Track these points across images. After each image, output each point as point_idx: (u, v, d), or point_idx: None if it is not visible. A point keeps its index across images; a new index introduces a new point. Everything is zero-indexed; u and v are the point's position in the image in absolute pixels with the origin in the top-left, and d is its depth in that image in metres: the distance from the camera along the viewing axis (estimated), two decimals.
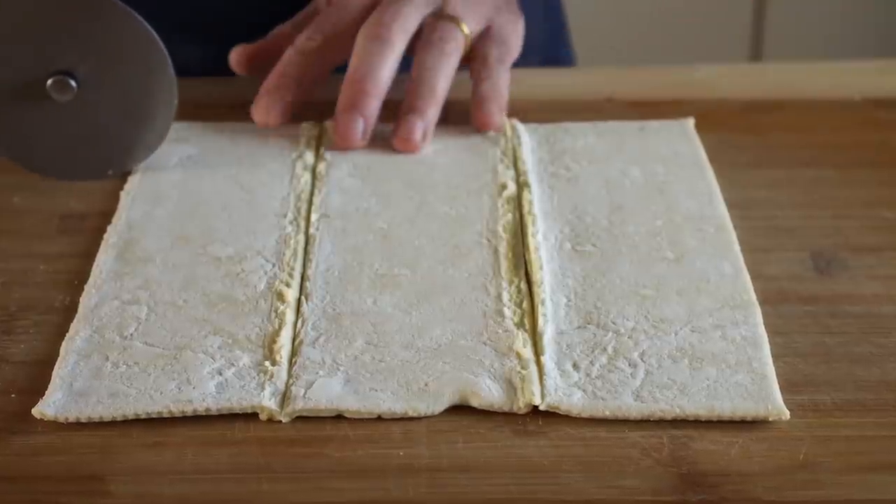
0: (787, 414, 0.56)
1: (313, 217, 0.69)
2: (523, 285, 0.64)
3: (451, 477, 0.53)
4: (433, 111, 0.75)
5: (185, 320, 0.61)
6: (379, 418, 0.56)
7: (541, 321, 0.61)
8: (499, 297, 0.63)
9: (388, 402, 0.56)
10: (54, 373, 0.58)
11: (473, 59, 0.79)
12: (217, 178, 0.73)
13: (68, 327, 0.61)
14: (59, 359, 0.59)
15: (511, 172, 0.73)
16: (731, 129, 0.79)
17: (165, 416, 0.56)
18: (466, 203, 0.70)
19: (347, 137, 0.75)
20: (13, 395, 0.58)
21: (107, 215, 0.70)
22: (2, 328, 0.62)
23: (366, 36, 0.75)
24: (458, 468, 0.54)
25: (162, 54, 0.70)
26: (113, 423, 0.56)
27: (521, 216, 0.69)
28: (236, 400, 0.56)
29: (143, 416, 0.56)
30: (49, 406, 0.56)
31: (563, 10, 1.06)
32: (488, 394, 0.57)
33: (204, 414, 0.56)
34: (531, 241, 0.66)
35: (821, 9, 1.84)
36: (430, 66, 0.76)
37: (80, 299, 0.63)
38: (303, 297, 0.63)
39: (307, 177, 0.73)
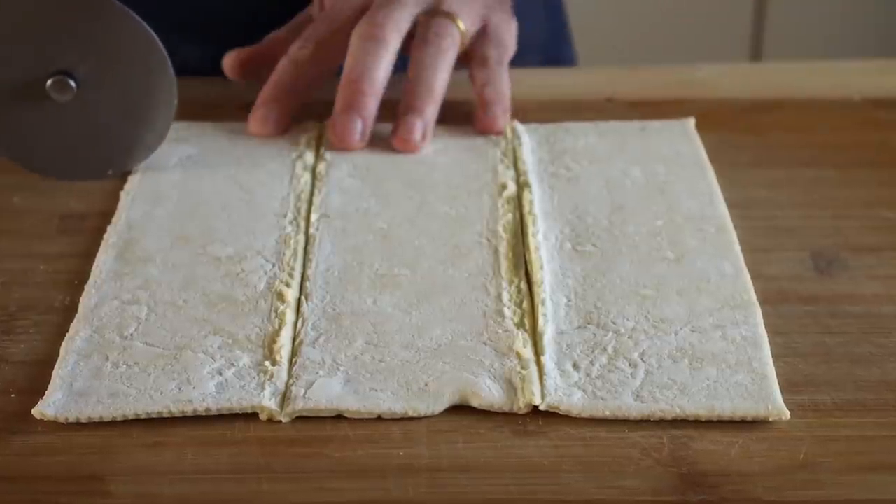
0: (787, 414, 0.56)
1: (313, 217, 0.69)
2: (523, 285, 0.64)
3: (451, 477, 0.53)
4: (432, 110, 0.75)
5: (185, 320, 0.61)
6: (379, 418, 0.56)
7: (541, 321, 0.61)
8: (499, 297, 0.63)
9: (388, 402, 0.56)
10: (54, 373, 0.58)
11: (471, 60, 0.79)
12: (217, 178, 0.73)
13: (68, 327, 0.61)
14: (59, 359, 0.59)
15: (511, 172, 0.73)
16: (732, 129, 0.79)
17: (165, 416, 0.56)
18: (466, 203, 0.70)
19: (346, 138, 0.75)
20: (13, 395, 0.58)
21: (107, 215, 0.70)
22: (2, 328, 0.62)
23: (360, 36, 0.75)
24: (458, 468, 0.53)
25: (161, 54, 0.70)
26: (113, 423, 0.56)
27: (522, 216, 0.69)
28: (236, 400, 0.56)
29: (143, 416, 0.56)
30: (49, 406, 0.56)
31: (564, 9, 1.06)
32: (488, 394, 0.57)
33: (204, 414, 0.56)
34: (531, 241, 0.66)
35: (821, 9, 1.84)
36: (428, 64, 0.76)
37: (80, 299, 0.63)
38: (303, 297, 0.63)
39: (307, 177, 0.73)
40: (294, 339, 0.60)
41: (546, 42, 1.03)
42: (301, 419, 0.56)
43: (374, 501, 0.52)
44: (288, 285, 0.63)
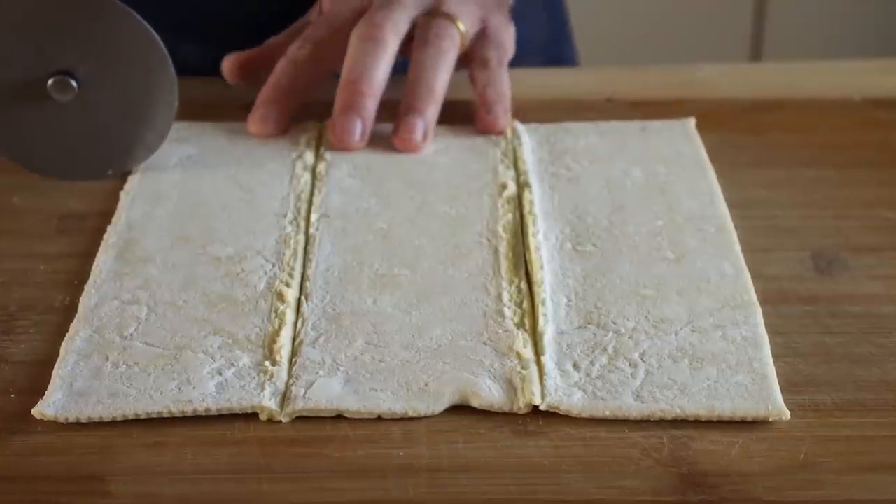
0: (787, 414, 0.56)
1: (313, 217, 0.69)
2: (523, 285, 0.64)
3: (451, 477, 0.53)
4: (433, 110, 0.75)
5: (185, 320, 0.61)
6: (379, 418, 0.56)
7: (541, 321, 0.61)
8: (499, 297, 0.63)
9: (388, 402, 0.56)
10: (54, 373, 0.58)
11: (471, 61, 0.79)
12: (217, 177, 0.73)
13: (68, 327, 0.61)
14: (59, 359, 0.59)
15: (511, 172, 0.73)
16: (732, 129, 0.79)
17: (165, 416, 0.56)
18: (467, 203, 0.70)
19: (345, 139, 0.75)
20: (13, 395, 0.58)
21: (107, 215, 0.70)
22: (2, 328, 0.62)
23: (358, 37, 0.75)
24: (458, 468, 0.53)
25: (162, 54, 0.70)
26: (113, 423, 0.56)
27: (522, 216, 0.69)
28: (236, 400, 0.56)
29: (143, 416, 0.56)
30: (49, 406, 0.56)
31: (565, 9, 1.07)
32: (488, 394, 0.57)
33: (204, 414, 0.56)
34: (532, 241, 0.66)
35: (821, 9, 1.84)
36: (428, 64, 0.76)
37: (80, 299, 0.63)
38: (303, 297, 0.63)
39: (307, 177, 0.73)
40: (294, 339, 0.60)
41: (547, 42, 1.03)
42: (301, 419, 0.56)
43: (374, 501, 0.52)
44: (288, 285, 0.63)
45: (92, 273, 0.65)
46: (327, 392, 0.57)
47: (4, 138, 0.72)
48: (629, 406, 0.56)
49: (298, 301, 0.63)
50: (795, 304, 0.63)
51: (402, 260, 0.65)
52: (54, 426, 0.56)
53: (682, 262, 0.65)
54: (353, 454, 0.54)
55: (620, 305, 0.62)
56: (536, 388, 0.57)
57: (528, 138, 0.76)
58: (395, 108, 0.76)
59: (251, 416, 0.56)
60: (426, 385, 0.57)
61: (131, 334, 0.60)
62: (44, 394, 0.57)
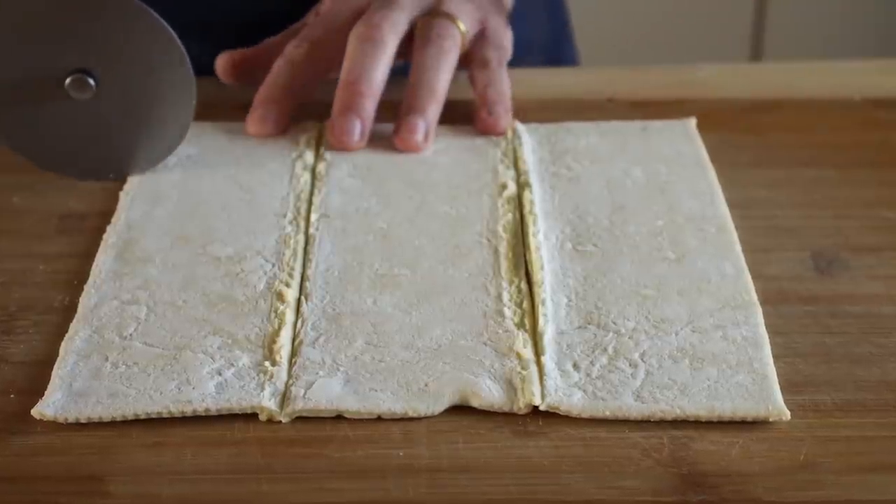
0: (787, 414, 0.56)
1: (313, 217, 0.69)
2: (523, 285, 0.63)
3: (451, 477, 0.53)
4: (434, 110, 0.75)
5: (184, 320, 0.61)
6: (379, 418, 0.56)
7: (541, 321, 0.61)
8: (499, 297, 0.63)
9: (388, 403, 0.56)
10: (54, 373, 0.58)
11: (471, 62, 0.79)
12: (217, 177, 0.73)
13: (68, 327, 0.61)
14: (59, 359, 0.59)
15: (511, 172, 0.73)
16: (732, 129, 0.79)
17: (165, 416, 0.56)
18: (467, 203, 0.70)
19: (344, 140, 0.75)
20: (13, 396, 0.58)
21: (106, 215, 0.70)
22: (1, 328, 0.62)
23: (357, 38, 0.75)
24: (458, 468, 0.53)
25: (181, 53, 0.70)
26: (112, 424, 0.56)
27: (522, 216, 0.69)
28: (236, 400, 0.56)
29: (143, 417, 0.56)
30: (48, 406, 0.56)
31: (565, 9, 1.07)
32: (488, 394, 0.57)
33: (204, 414, 0.56)
34: (532, 241, 0.66)
35: (821, 9, 1.84)
36: (430, 64, 0.76)
37: (80, 299, 0.63)
38: (303, 297, 0.63)
39: (307, 177, 0.73)
40: (294, 340, 0.60)
41: (547, 42, 1.03)
42: (301, 419, 0.56)
43: (374, 502, 0.52)
44: (288, 285, 0.63)
45: (91, 273, 0.65)
46: (327, 392, 0.57)
47: (20, 136, 0.72)
48: (629, 406, 0.56)
49: (298, 301, 0.63)
50: (795, 304, 0.63)
51: (402, 260, 0.65)
52: (54, 426, 0.56)
53: (682, 262, 0.65)
54: (353, 454, 0.54)
55: (621, 305, 0.62)
56: (536, 389, 0.57)
57: (529, 138, 0.76)
58: (396, 109, 0.76)
59: (251, 417, 0.56)
60: (426, 385, 0.57)
61: (131, 334, 0.60)
62: (43, 394, 0.57)
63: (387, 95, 0.75)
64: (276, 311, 0.62)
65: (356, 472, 0.53)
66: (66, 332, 0.61)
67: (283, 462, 0.54)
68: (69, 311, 0.63)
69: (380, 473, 0.53)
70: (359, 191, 0.71)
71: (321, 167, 0.74)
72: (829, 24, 1.84)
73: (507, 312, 0.62)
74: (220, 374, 0.58)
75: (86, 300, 0.63)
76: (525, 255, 0.66)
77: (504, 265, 0.65)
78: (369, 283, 0.64)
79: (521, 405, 0.56)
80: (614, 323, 0.61)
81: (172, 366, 0.58)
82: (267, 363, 0.58)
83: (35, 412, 0.56)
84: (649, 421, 0.56)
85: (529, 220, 0.68)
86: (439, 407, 0.56)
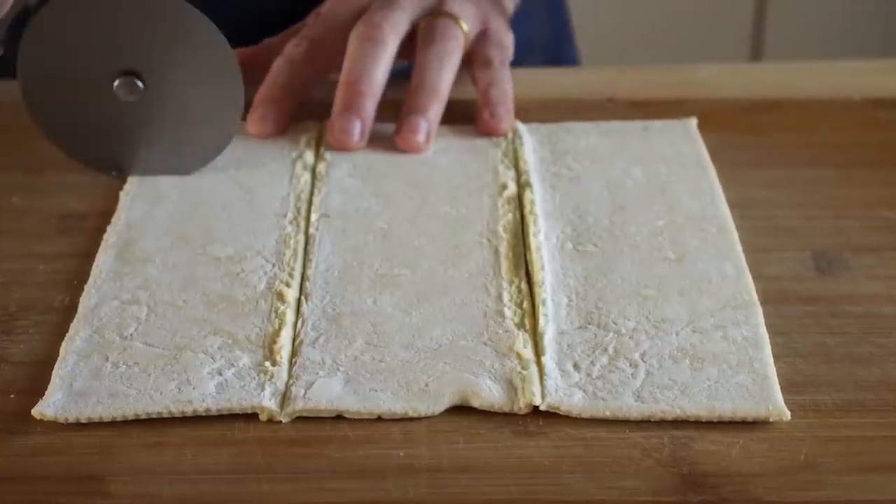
0: (787, 414, 0.56)
1: (313, 217, 0.69)
2: (524, 285, 0.63)
3: (452, 477, 0.53)
4: (436, 110, 0.75)
5: (184, 320, 0.61)
6: (379, 418, 0.56)
7: (541, 321, 0.61)
8: (499, 297, 0.63)
9: (388, 403, 0.56)
10: (54, 373, 0.58)
11: (473, 62, 0.79)
12: (217, 178, 0.73)
13: (68, 327, 0.61)
14: (59, 359, 0.59)
15: (512, 172, 0.73)
16: (732, 129, 0.79)
17: (165, 416, 0.56)
18: (467, 203, 0.70)
19: (344, 140, 0.74)
20: (13, 396, 0.58)
21: (106, 215, 0.70)
22: (2, 328, 0.62)
23: (358, 37, 0.75)
24: (459, 468, 0.53)
25: (230, 55, 0.69)
26: (113, 424, 0.56)
27: (523, 216, 0.69)
28: (236, 400, 0.56)
29: (143, 417, 0.56)
30: (49, 406, 0.56)
31: (566, 9, 1.06)
32: (489, 394, 0.57)
33: (204, 414, 0.56)
34: (532, 241, 0.66)
35: (821, 9, 1.84)
36: (433, 65, 0.76)
37: (80, 299, 0.63)
38: (303, 297, 0.63)
39: (307, 177, 0.73)
40: (294, 340, 0.60)
41: (548, 42, 1.03)
42: (301, 419, 0.56)
43: (374, 502, 0.52)
44: (288, 285, 0.63)
45: (92, 273, 0.65)
46: (327, 392, 0.57)
47: (61, 128, 0.72)
48: (630, 406, 0.56)
49: (298, 301, 0.63)
50: (796, 305, 0.63)
51: (403, 260, 0.65)
52: (54, 426, 0.56)
53: (683, 263, 0.65)
54: (353, 454, 0.54)
55: (621, 305, 0.62)
56: (537, 389, 0.57)
57: (530, 138, 0.76)
58: (397, 109, 0.76)
59: (251, 417, 0.56)
60: (426, 385, 0.57)
61: (131, 334, 0.60)
62: (43, 394, 0.57)
63: (387, 95, 0.75)
64: (276, 311, 0.62)
65: (356, 472, 0.53)
66: (67, 332, 0.61)
67: (283, 462, 0.54)
68: (69, 311, 0.63)
69: (380, 473, 0.53)
70: (359, 191, 0.71)
71: (321, 167, 0.74)
72: (829, 24, 1.84)
73: (508, 312, 0.62)
74: (220, 374, 0.58)
75: (86, 300, 0.63)
76: (525, 256, 0.66)
77: (504, 265, 0.65)
78: (369, 283, 0.64)
79: (521, 405, 0.56)
80: (615, 323, 0.61)
81: (173, 366, 0.58)
82: (267, 363, 0.58)
83: (35, 412, 0.56)
84: (650, 421, 0.56)
85: (530, 220, 0.68)
86: (439, 407, 0.56)
